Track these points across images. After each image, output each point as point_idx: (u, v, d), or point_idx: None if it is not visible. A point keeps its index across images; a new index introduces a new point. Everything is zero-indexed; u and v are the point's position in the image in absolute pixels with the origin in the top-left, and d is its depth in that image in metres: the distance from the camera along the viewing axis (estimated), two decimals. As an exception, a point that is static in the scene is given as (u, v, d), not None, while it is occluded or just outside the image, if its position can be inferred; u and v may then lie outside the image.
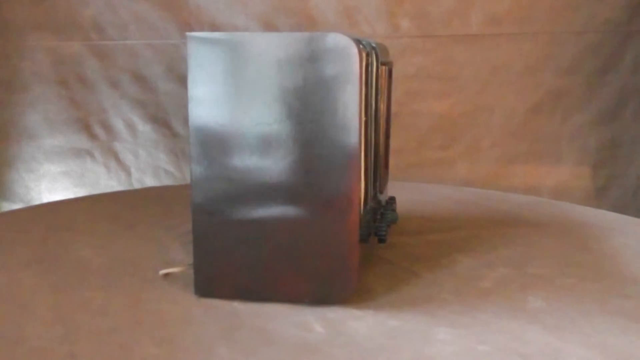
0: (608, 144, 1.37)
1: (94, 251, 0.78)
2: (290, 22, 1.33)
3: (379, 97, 0.69)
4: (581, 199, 1.36)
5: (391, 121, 0.82)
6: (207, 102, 0.58)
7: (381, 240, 0.68)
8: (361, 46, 0.60)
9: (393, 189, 0.93)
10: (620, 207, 1.35)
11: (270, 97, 0.56)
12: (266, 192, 0.57)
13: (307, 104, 0.55)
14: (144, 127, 1.39)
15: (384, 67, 0.71)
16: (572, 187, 1.38)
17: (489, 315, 0.58)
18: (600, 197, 1.38)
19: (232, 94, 0.57)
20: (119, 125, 1.40)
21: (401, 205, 0.92)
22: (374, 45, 0.68)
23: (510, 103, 1.35)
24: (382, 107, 0.72)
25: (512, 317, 0.58)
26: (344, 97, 0.55)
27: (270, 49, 0.56)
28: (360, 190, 0.57)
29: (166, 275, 0.68)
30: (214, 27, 1.34)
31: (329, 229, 0.56)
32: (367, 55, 0.61)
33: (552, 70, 1.34)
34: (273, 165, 0.57)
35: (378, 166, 0.71)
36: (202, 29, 1.34)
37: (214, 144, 0.58)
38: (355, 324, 0.56)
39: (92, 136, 1.40)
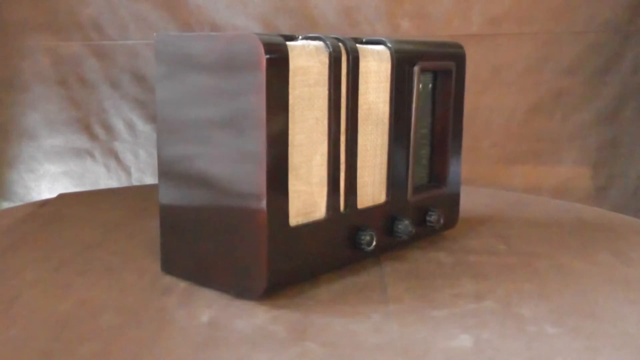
0: (608, 144, 1.37)
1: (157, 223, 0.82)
2: (290, 22, 1.33)
3: (402, 98, 0.69)
4: (581, 199, 1.36)
5: (449, 124, 0.76)
6: (168, 102, 0.61)
7: (360, 251, 0.66)
8: (323, 47, 0.59)
9: (475, 194, 0.84)
10: (620, 207, 1.35)
11: (203, 99, 0.58)
12: (203, 187, 0.60)
13: (229, 106, 0.56)
14: (144, 127, 1.39)
15: (416, 68, 0.70)
16: (572, 187, 1.38)
17: (379, 342, 0.51)
18: (600, 197, 1.38)
19: (183, 94, 0.59)
20: (119, 125, 1.40)
21: (478, 215, 0.86)
22: (386, 42, 0.67)
23: (510, 103, 1.35)
24: (409, 108, 0.71)
25: (400, 349, 0.50)
26: (253, 101, 0.54)
27: (202, 51, 0.57)
28: (276, 193, 0.56)
29: None
30: (214, 27, 1.34)
31: (242, 228, 0.57)
32: (331, 55, 0.59)
33: (552, 70, 1.34)
34: (206, 164, 0.59)
35: (399, 171, 0.70)
36: (202, 29, 1.34)
37: (172, 142, 0.61)
38: (242, 322, 0.55)
39: (92, 136, 1.40)
